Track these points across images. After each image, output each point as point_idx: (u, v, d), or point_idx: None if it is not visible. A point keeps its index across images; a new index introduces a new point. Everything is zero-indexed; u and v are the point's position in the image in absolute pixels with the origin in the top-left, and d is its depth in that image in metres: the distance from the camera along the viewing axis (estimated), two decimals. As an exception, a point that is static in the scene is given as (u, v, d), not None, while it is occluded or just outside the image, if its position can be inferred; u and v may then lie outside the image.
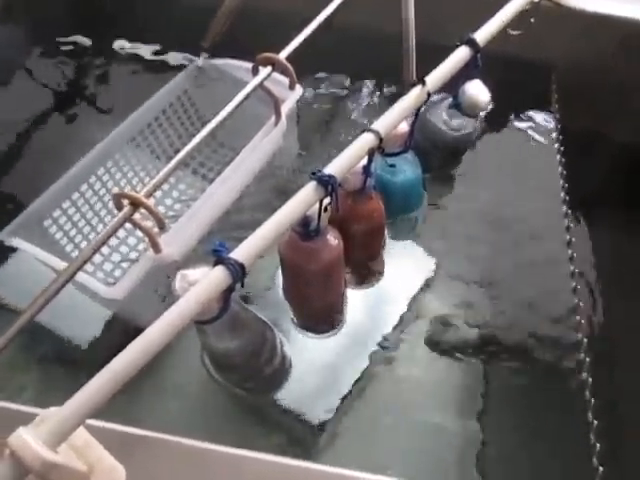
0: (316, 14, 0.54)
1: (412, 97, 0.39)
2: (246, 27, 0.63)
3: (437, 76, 0.41)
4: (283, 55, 0.48)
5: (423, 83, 0.40)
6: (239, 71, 0.59)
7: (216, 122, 0.43)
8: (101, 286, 0.41)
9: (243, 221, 0.53)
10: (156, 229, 0.41)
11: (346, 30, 0.59)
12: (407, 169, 0.46)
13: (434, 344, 0.55)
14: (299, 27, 0.59)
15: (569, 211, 0.58)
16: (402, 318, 0.55)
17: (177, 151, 0.60)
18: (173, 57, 0.75)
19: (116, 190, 0.56)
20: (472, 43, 0.43)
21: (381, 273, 0.52)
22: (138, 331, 0.52)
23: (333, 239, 0.41)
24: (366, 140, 0.37)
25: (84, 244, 0.53)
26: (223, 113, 0.44)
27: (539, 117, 0.64)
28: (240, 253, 0.31)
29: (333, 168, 0.35)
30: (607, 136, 0.67)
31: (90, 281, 0.40)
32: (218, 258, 0.30)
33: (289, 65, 0.47)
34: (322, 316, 0.48)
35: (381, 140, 0.37)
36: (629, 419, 0.51)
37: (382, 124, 0.38)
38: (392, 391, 0.52)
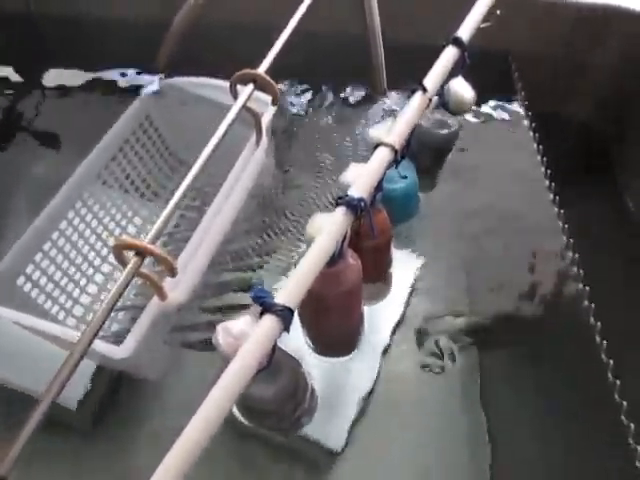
0: (267, 22, 0.52)
1: (416, 105, 0.38)
2: (197, 42, 0.60)
3: (434, 80, 0.40)
4: (262, 70, 0.46)
5: (424, 90, 0.39)
6: (201, 89, 0.55)
7: (207, 153, 0.40)
8: (108, 346, 0.37)
9: (240, 249, 0.50)
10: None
11: (307, 34, 0.58)
12: (407, 175, 0.45)
13: (427, 342, 0.55)
14: (256, 38, 0.57)
15: (552, 186, 0.59)
16: (398, 323, 0.55)
17: (144, 182, 0.57)
18: (112, 79, 0.70)
19: (89, 234, 0.51)
20: (458, 42, 0.43)
21: (390, 285, 0.51)
22: (130, 382, 0.47)
23: (353, 260, 0.39)
24: (383, 155, 0.35)
25: (63, 298, 0.48)
26: (211, 143, 0.40)
27: (505, 103, 0.66)
28: (285, 297, 0.29)
29: (359, 189, 0.33)
30: (566, 116, 0.70)
31: (96, 343, 0.36)
32: (265, 306, 0.28)
33: (272, 81, 0.44)
34: (343, 340, 0.46)
35: (396, 153, 0.36)
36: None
37: (395, 137, 0.36)
38: (395, 394, 0.51)
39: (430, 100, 0.39)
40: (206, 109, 0.55)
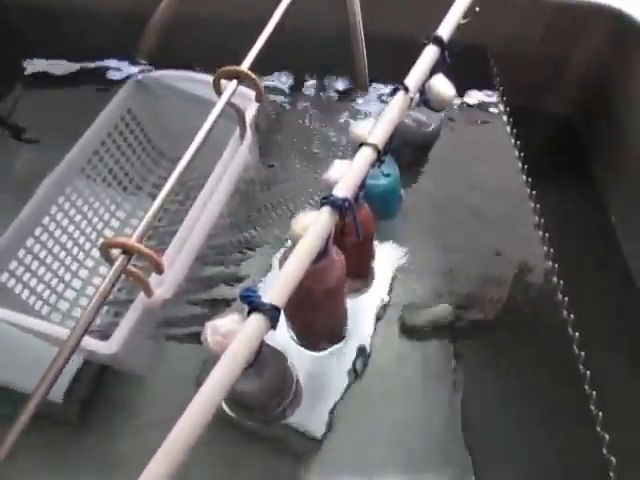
0: (251, 15, 0.52)
1: (398, 104, 0.39)
2: (180, 33, 0.59)
3: (415, 79, 0.41)
4: (245, 66, 0.46)
5: (406, 89, 0.40)
6: (183, 82, 0.55)
7: (193, 150, 0.40)
8: (95, 342, 0.37)
9: (224, 243, 0.51)
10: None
11: (290, 27, 0.58)
12: (389, 172, 0.46)
13: (409, 329, 0.57)
14: (239, 29, 0.57)
15: (528, 180, 0.60)
16: (379, 313, 0.56)
17: (127, 175, 0.57)
18: (90, 71, 0.69)
19: (72, 229, 0.51)
20: (438, 41, 0.44)
21: (372, 279, 0.52)
22: (114, 375, 0.47)
23: (337, 256, 0.40)
24: (367, 154, 0.36)
25: (47, 293, 0.48)
26: (197, 139, 0.41)
27: (482, 96, 0.67)
28: (273, 296, 0.29)
29: (343, 189, 0.34)
30: (539, 109, 0.72)
31: (84, 339, 0.37)
32: (253, 305, 0.29)
33: (256, 77, 0.44)
34: (327, 334, 0.47)
35: (379, 152, 0.37)
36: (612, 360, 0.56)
37: (377, 136, 0.37)
38: (378, 382, 0.53)
39: (412, 99, 0.40)
40: (187, 102, 0.55)
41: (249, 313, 0.29)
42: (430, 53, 0.43)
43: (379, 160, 0.37)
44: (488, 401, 0.53)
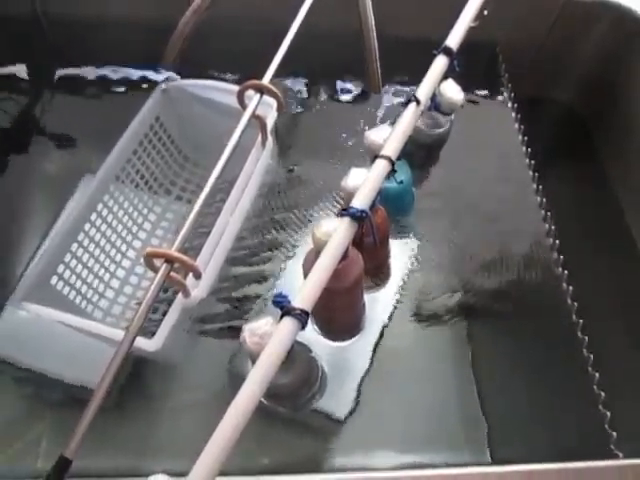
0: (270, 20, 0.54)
1: (410, 116, 0.42)
2: (202, 42, 0.62)
3: (426, 91, 0.44)
4: (267, 79, 0.49)
5: (417, 102, 0.43)
6: (208, 91, 0.59)
7: (223, 161, 0.44)
8: (142, 340, 0.41)
9: (251, 244, 0.55)
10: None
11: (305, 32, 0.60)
12: (402, 174, 0.49)
13: (424, 317, 0.60)
14: (260, 35, 0.59)
15: (535, 174, 0.63)
16: (395, 304, 0.59)
17: (156, 180, 0.61)
18: (117, 78, 0.72)
19: (110, 233, 0.55)
20: (448, 51, 0.46)
21: (389, 275, 0.55)
22: (148, 363, 0.51)
23: (355, 257, 0.44)
24: (382, 167, 0.39)
25: (90, 293, 0.52)
26: (226, 152, 0.44)
27: (492, 90, 0.69)
28: (301, 301, 0.33)
29: (361, 201, 0.37)
30: (550, 100, 0.74)
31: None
32: (285, 309, 0.33)
33: (277, 90, 0.48)
34: (347, 327, 0.51)
35: (393, 164, 0.40)
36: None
37: (391, 149, 0.40)
38: (396, 366, 0.56)
39: (422, 112, 0.43)
40: (210, 109, 0.59)
41: (282, 316, 0.33)
42: (440, 64, 0.46)
43: (393, 170, 0.40)
44: (500, 380, 0.56)
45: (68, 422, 0.55)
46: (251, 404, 0.30)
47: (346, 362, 0.55)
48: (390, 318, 0.57)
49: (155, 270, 0.38)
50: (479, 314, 0.61)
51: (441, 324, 0.59)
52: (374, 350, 0.55)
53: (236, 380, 0.53)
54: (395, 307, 0.58)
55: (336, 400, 0.52)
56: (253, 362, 0.32)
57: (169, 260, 0.38)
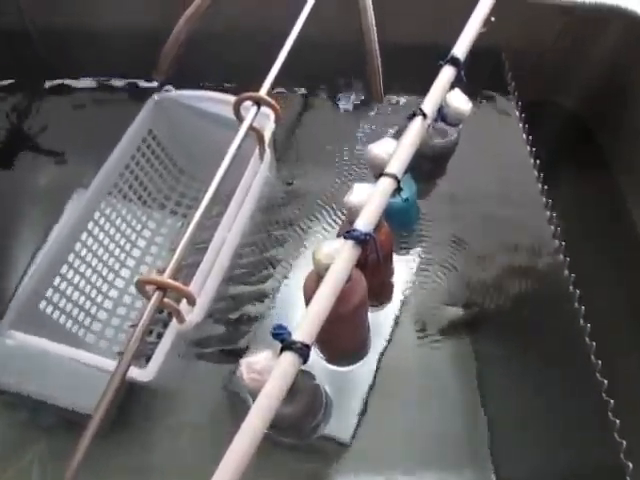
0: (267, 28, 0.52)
1: (415, 131, 0.40)
2: (194, 52, 0.60)
3: (432, 103, 0.42)
4: (264, 90, 0.47)
5: (424, 115, 0.40)
6: (203, 102, 0.56)
7: (219, 177, 0.41)
8: (135, 370, 0.39)
9: (248, 262, 0.52)
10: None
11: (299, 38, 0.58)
12: (407, 190, 0.47)
13: (426, 333, 0.58)
14: (255, 43, 0.57)
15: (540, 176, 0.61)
16: (397, 318, 0.57)
17: (150, 195, 0.59)
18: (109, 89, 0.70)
19: (102, 252, 0.53)
20: (455, 61, 0.44)
21: (392, 292, 0.53)
22: (141, 391, 0.48)
23: (358, 277, 0.41)
24: (386, 185, 0.37)
25: (82, 316, 0.50)
26: (223, 165, 0.42)
27: (497, 96, 0.67)
28: (303, 333, 0.31)
29: (365, 223, 0.35)
30: (555, 105, 0.71)
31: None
32: (285, 344, 0.30)
33: (274, 103, 0.45)
34: (351, 353, 0.49)
35: (399, 182, 0.38)
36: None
37: (396, 166, 0.38)
38: (400, 384, 0.54)
39: (429, 125, 0.41)
40: (204, 120, 0.56)
41: (281, 350, 0.31)
42: (447, 75, 0.43)
43: (399, 188, 0.38)
44: (507, 398, 0.54)
45: (62, 447, 0.54)
46: (250, 447, 0.27)
47: (349, 383, 0.52)
48: (393, 335, 0.55)
49: (147, 296, 0.36)
50: (485, 328, 0.59)
51: (446, 340, 0.57)
52: (377, 369, 0.53)
53: (234, 397, 0.51)
54: (398, 324, 0.56)
55: (340, 423, 0.50)
56: (252, 398, 0.30)
57: (161, 287, 0.36)
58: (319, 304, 0.32)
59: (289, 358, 0.30)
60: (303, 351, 0.30)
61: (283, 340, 0.30)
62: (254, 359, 0.31)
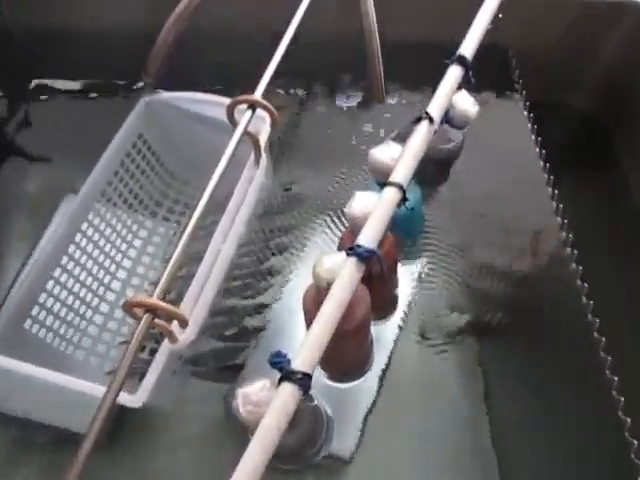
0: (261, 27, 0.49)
1: (421, 137, 0.37)
2: (184, 52, 0.57)
3: (439, 107, 0.39)
4: (259, 93, 0.44)
5: (430, 120, 0.38)
6: (195, 104, 0.54)
7: (213, 184, 0.39)
8: (124, 396, 0.37)
9: (244, 274, 0.50)
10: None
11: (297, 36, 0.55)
12: (412, 198, 0.44)
13: (431, 343, 0.56)
14: (249, 43, 0.54)
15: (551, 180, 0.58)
16: (400, 329, 0.55)
17: (142, 202, 0.56)
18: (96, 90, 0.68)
19: (91, 264, 0.50)
20: (462, 61, 0.41)
21: (396, 305, 0.51)
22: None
23: (361, 292, 0.39)
24: (391, 196, 0.35)
25: (70, 333, 0.48)
26: (217, 172, 0.39)
27: (505, 94, 0.64)
28: (303, 362, 0.29)
29: (369, 238, 0.33)
30: (565, 105, 0.69)
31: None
32: (284, 374, 0.28)
33: (270, 106, 0.43)
34: (353, 370, 0.47)
35: (404, 192, 0.35)
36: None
37: (402, 175, 0.35)
38: (403, 397, 0.52)
39: (436, 131, 0.38)
40: (195, 123, 0.54)
41: (280, 381, 0.28)
42: (453, 75, 0.41)
43: (404, 199, 0.36)
44: (515, 410, 0.52)
45: (55, 466, 0.52)
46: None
47: (351, 398, 0.50)
48: (396, 345, 0.53)
49: (137, 319, 0.33)
50: (492, 337, 0.56)
51: (450, 350, 0.55)
52: (380, 384, 0.51)
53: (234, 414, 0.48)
54: (401, 335, 0.54)
55: (341, 440, 0.48)
56: (250, 432, 0.28)
57: (150, 310, 0.33)
58: (320, 327, 0.30)
59: (288, 389, 0.27)
60: (303, 381, 0.28)
61: (282, 369, 0.28)
62: (250, 390, 0.29)
